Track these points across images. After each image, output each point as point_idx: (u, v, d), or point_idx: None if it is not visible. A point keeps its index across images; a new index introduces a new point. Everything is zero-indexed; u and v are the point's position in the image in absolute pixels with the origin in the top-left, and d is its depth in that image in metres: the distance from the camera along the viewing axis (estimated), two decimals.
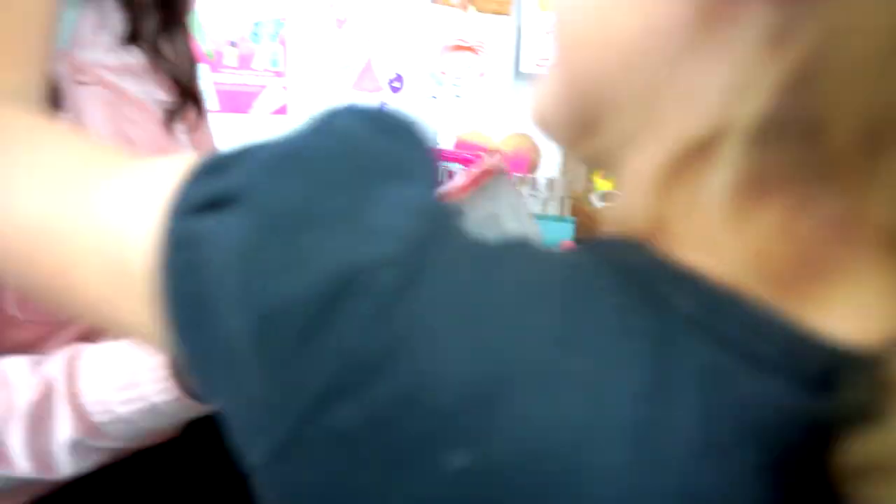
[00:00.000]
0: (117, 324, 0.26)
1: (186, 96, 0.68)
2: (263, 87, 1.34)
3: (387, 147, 0.22)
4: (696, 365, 0.19)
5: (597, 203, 1.33)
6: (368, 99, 1.41)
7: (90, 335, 0.57)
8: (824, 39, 0.18)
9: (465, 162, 1.37)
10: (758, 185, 0.20)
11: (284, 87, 1.36)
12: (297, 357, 0.19)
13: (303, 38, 1.35)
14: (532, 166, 1.39)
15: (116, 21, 0.63)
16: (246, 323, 0.19)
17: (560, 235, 1.17)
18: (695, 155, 0.20)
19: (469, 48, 1.45)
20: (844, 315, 0.20)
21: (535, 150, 1.39)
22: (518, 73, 1.47)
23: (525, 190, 1.26)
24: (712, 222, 0.20)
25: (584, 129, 0.26)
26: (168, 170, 0.23)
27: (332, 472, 0.19)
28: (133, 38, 0.64)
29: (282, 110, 1.37)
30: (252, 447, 0.20)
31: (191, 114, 0.71)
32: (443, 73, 1.45)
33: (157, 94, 0.66)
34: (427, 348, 0.18)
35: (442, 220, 0.20)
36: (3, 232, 0.28)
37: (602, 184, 1.37)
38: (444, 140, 1.45)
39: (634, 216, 0.22)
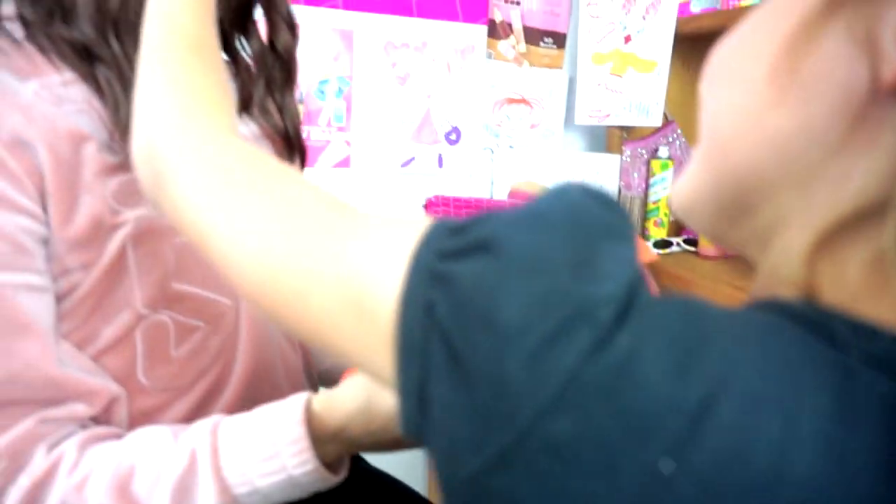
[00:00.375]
0: (345, 352, 0.30)
1: (293, 152, 0.72)
2: (328, 142, 1.39)
3: (604, 215, 0.26)
4: (877, 394, 0.22)
5: (653, 251, 1.36)
6: (426, 150, 1.46)
7: (207, 402, 0.61)
8: None
9: None
10: None
11: (347, 142, 1.41)
12: (527, 373, 0.22)
13: (365, 94, 1.40)
14: None
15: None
16: (486, 340, 0.23)
17: None
18: (845, 230, 0.25)
19: (523, 101, 1.50)
20: None
21: None
22: (570, 125, 1.52)
23: None
24: (874, 280, 0.24)
25: (734, 216, 0.30)
26: (408, 226, 0.28)
27: (547, 480, 0.22)
28: (245, 105, 0.68)
29: (344, 163, 1.42)
30: (470, 458, 0.24)
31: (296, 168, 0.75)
32: (498, 125, 1.50)
33: None
34: (644, 370, 0.22)
35: (643, 274, 0.25)
36: (254, 255, 0.32)
37: (656, 231, 1.41)
38: (498, 189, 1.49)
39: (787, 283, 0.27)
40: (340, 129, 1.40)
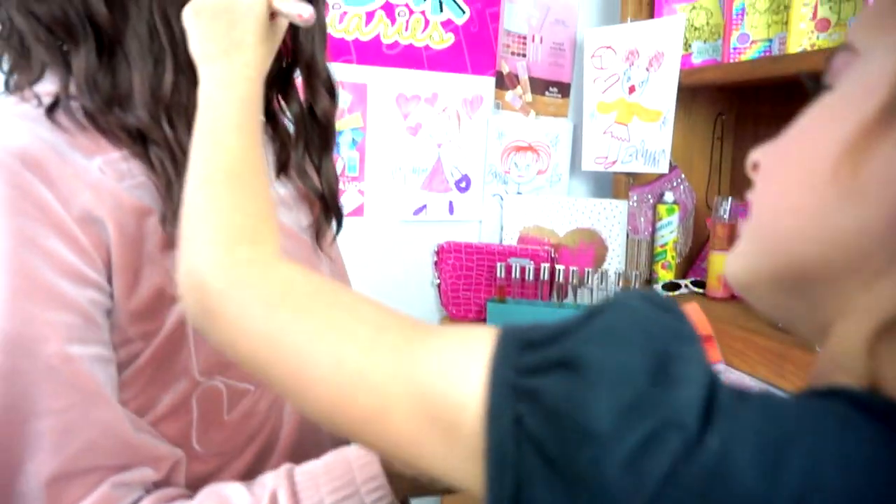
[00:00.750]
0: (428, 466, 0.31)
1: (330, 213, 0.74)
2: (343, 191, 1.42)
3: (667, 321, 0.28)
4: None
5: (662, 294, 1.39)
6: (438, 198, 1.49)
7: (258, 465, 0.62)
8: None
9: (532, 256, 1.44)
10: None
11: (361, 191, 1.44)
12: (625, 477, 0.24)
13: (378, 145, 1.44)
14: (598, 260, 1.46)
15: (269, 154, 0.69)
16: (583, 448, 0.25)
17: None
18: None
19: (530, 148, 1.54)
20: None
21: (601, 243, 1.46)
22: (576, 171, 1.56)
23: (594, 283, 1.32)
24: None
25: (793, 300, 0.32)
26: (475, 339, 0.30)
27: None
28: (283, 168, 0.70)
29: (358, 211, 1.44)
30: None
31: (331, 230, 0.77)
32: (506, 172, 1.54)
33: (302, 222, 0.72)
34: (736, 471, 0.23)
35: (716, 371, 0.27)
36: (324, 378, 0.33)
37: (664, 274, 1.44)
38: (508, 235, 1.52)
39: (848, 371, 0.29)
40: (354, 178, 1.43)
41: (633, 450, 0.24)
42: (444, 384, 0.29)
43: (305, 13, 0.57)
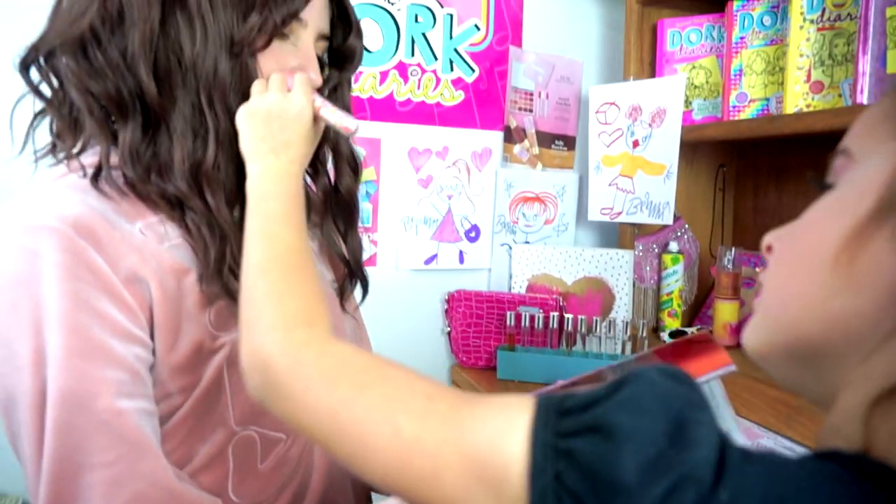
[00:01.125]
0: None
1: (355, 278, 0.78)
2: None
3: (682, 391, 0.33)
4: None
5: (668, 340, 1.41)
6: (448, 248, 1.53)
7: None
8: None
9: (540, 304, 1.47)
10: None
11: (374, 242, 1.48)
12: None
13: (391, 197, 1.49)
14: (605, 308, 1.49)
15: None
16: (614, 499, 0.29)
17: None
18: None
19: (537, 199, 1.59)
20: None
21: (608, 292, 1.50)
22: (583, 221, 1.61)
23: (602, 331, 1.35)
24: None
25: (802, 372, 0.37)
26: (515, 408, 0.34)
27: None
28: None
29: (371, 261, 1.48)
30: None
31: (353, 294, 0.81)
32: (514, 222, 1.58)
33: (326, 275, 0.76)
34: None
35: (725, 434, 0.31)
36: (383, 446, 0.37)
37: (670, 322, 1.47)
38: (517, 283, 1.56)
39: (847, 438, 0.32)
40: (367, 229, 1.47)
41: (657, 501, 0.28)
42: (491, 446, 0.34)
43: (352, 126, 0.63)
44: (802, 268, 0.36)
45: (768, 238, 0.40)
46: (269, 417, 0.63)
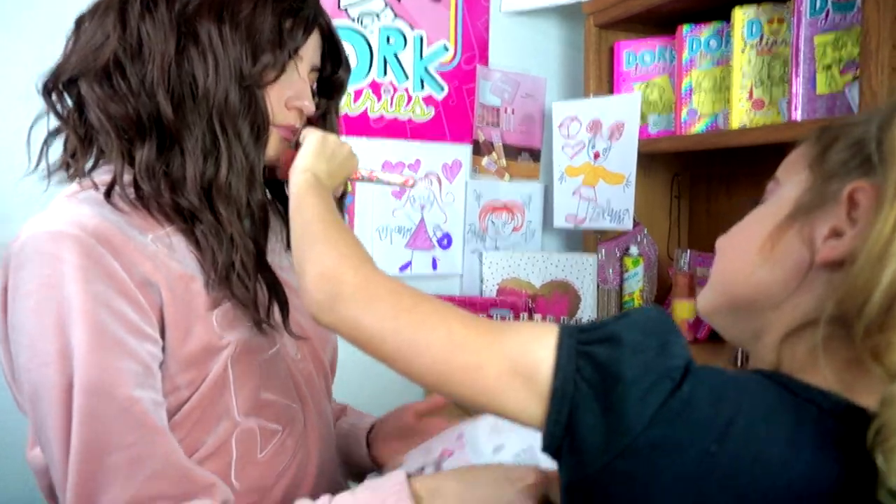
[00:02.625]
0: (508, 409, 0.46)
1: None
2: None
3: (667, 321, 0.46)
4: (811, 418, 0.42)
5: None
6: (421, 255, 1.61)
7: (288, 500, 0.71)
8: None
9: (511, 306, 1.56)
10: (830, 342, 0.44)
11: None
12: (640, 404, 0.41)
13: (366, 207, 1.55)
14: (572, 309, 1.59)
15: (281, 229, 0.80)
16: (618, 387, 0.42)
17: None
18: (796, 332, 0.46)
19: (505, 208, 1.68)
20: (871, 398, 0.42)
21: (574, 293, 1.59)
22: (549, 228, 1.70)
23: None
24: (810, 360, 0.45)
25: (739, 322, 0.52)
26: (542, 326, 0.47)
27: (650, 461, 0.41)
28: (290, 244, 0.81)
29: None
30: (602, 455, 0.41)
31: None
32: (484, 230, 1.67)
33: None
34: (697, 402, 0.42)
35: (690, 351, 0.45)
36: (436, 343, 0.47)
37: None
38: (488, 288, 1.64)
39: (766, 362, 0.48)
40: None
41: (646, 389, 0.41)
42: (526, 349, 0.45)
43: (410, 181, 0.80)
44: (739, 252, 0.51)
45: (718, 241, 0.54)
46: (269, 410, 0.69)
